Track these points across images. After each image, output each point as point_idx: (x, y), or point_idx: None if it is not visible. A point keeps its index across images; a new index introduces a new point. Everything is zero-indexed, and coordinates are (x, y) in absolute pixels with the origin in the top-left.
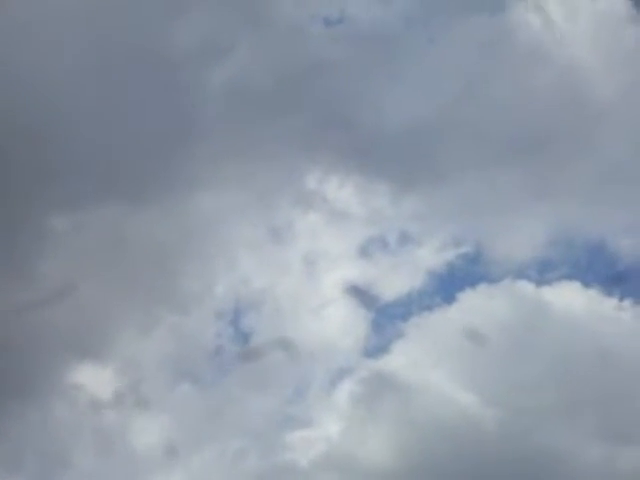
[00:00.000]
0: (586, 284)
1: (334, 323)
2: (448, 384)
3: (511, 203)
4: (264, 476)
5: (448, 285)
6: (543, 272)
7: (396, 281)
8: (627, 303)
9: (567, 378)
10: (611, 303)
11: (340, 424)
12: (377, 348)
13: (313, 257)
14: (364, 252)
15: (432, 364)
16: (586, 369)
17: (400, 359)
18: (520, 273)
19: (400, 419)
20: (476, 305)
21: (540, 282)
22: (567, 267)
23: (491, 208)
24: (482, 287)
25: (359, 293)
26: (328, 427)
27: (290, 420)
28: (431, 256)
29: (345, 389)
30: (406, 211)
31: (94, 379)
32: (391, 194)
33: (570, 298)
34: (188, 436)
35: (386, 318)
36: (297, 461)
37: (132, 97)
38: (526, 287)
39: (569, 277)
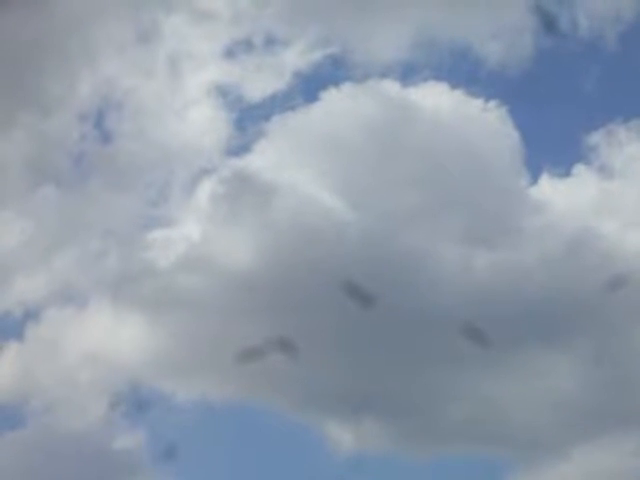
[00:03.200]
0: (452, 85)
1: (197, 124)
2: (311, 186)
3: (377, 5)
4: (124, 277)
5: (313, 86)
6: (408, 74)
7: (261, 82)
8: (492, 104)
9: (431, 180)
10: (477, 104)
11: (201, 225)
12: (239, 147)
13: (178, 58)
14: (229, 53)
15: (296, 165)
16: (451, 170)
17: (263, 159)
18: (385, 74)
19: (262, 220)
20: (341, 105)
21: (406, 83)
22: (432, 69)
23: (357, 10)
24: (347, 87)
25: (223, 94)
26: (189, 227)
27: (151, 220)
28: (297, 57)
29: (206, 189)
30: (272, 12)
31: None
32: None
33: (436, 99)
34: (49, 237)
35: (250, 119)
36: (157, 261)
37: None
38: (392, 87)
39: (435, 79)
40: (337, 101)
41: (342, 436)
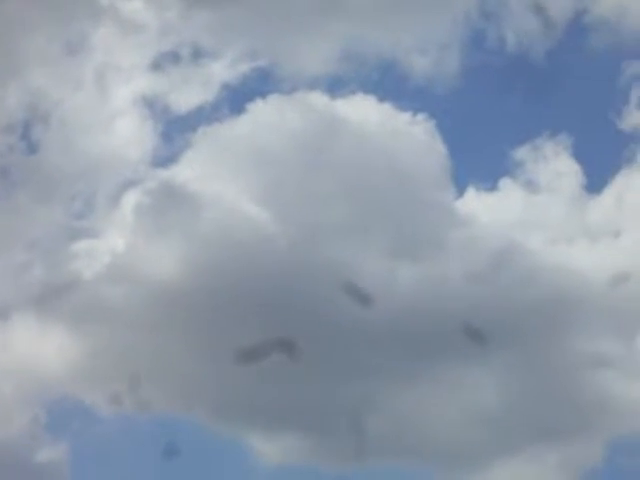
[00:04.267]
0: (380, 98)
1: (124, 135)
2: (237, 197)
3: (305, 18)
4: (48, 288)
5: (240, 98)
6: (335, 86)
7: (188, 94)
8: (420, 118)
9: (358, 193)
10: (404, 118)
11: (126, 236)
12: (166, 158)
13: (105, 70)
14: (156, 65)
15: (222, 176)
16: (377, 183)
17: (189, 170)
18: (313, 87)
19: (188, 232)
20: (268, 117)
21: (333, 95)
22: (359, 82)
23: (285, 23)
24: (274, 99)
25: (150, 105)
26: (114, 239)
27: (76, 232)
28: (224, 70)
29: (132, 200)
30: (199, 24)
31: None
32: (183, 6)
33: (364, 112)
34: None
35: (176, 130)
36: (82, 273)
37: None
38: (319, 100)
39: (363, 91)
40: (264, 113)
41: (265, 448)
